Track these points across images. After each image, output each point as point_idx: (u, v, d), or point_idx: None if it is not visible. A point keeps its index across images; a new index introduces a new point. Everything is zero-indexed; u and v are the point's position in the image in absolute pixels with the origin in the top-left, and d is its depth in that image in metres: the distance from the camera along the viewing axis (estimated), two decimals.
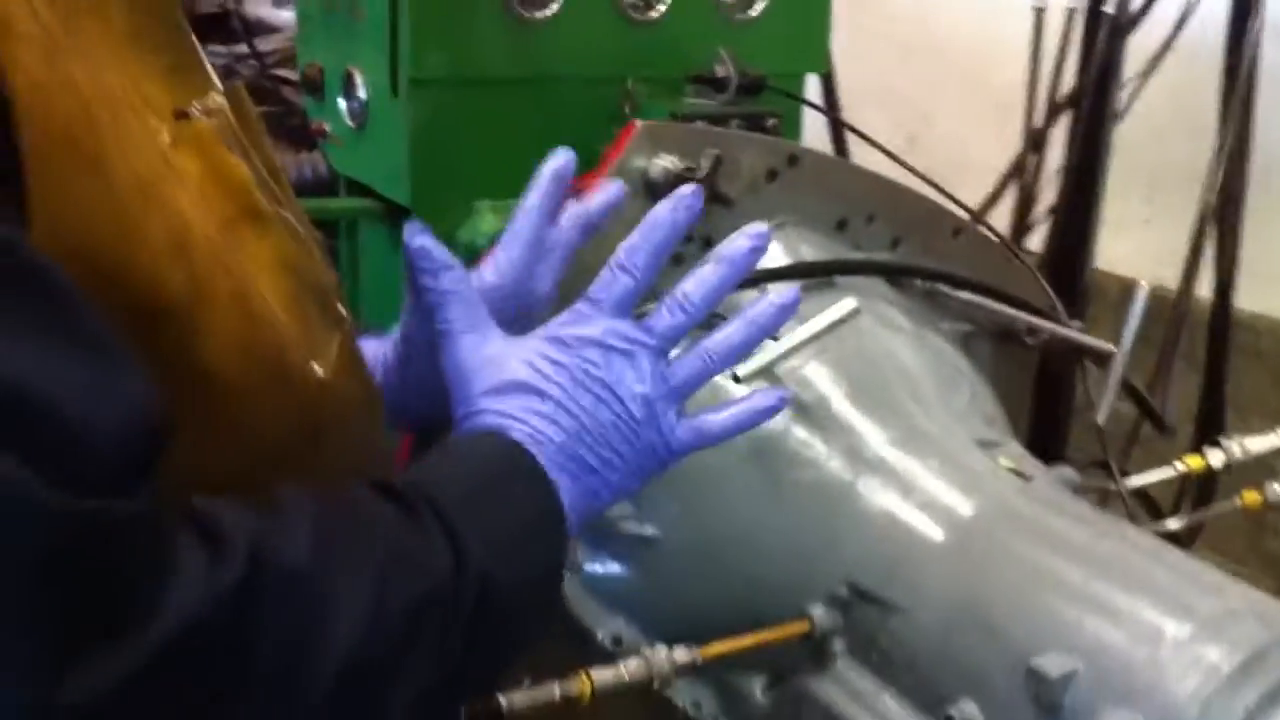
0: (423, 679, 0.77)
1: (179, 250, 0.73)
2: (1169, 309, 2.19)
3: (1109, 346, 1.33)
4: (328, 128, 1.66)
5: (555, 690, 1.16)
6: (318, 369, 0.81)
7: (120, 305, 0.69)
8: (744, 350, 0.95)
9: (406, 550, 0.77)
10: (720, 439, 0.94)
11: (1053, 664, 1.09)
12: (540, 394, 0.89)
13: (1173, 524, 1.46)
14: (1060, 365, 1.62)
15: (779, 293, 0.94)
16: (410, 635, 0.75)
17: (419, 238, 0.92)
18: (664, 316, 0.92)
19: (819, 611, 1.26)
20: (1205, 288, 2.28)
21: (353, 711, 0.73)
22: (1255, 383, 2.50)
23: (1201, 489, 1.99)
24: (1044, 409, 1.89)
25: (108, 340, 0.67)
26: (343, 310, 0.91)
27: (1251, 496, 1.43)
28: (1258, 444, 1.45)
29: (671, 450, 0.93)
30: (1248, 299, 2.43)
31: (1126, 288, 2.71)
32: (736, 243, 0.93)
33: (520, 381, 0.90)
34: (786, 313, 0.94)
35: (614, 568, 1.38)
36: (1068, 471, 1.36)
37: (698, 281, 0.92)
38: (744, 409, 0.95)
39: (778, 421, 1.31)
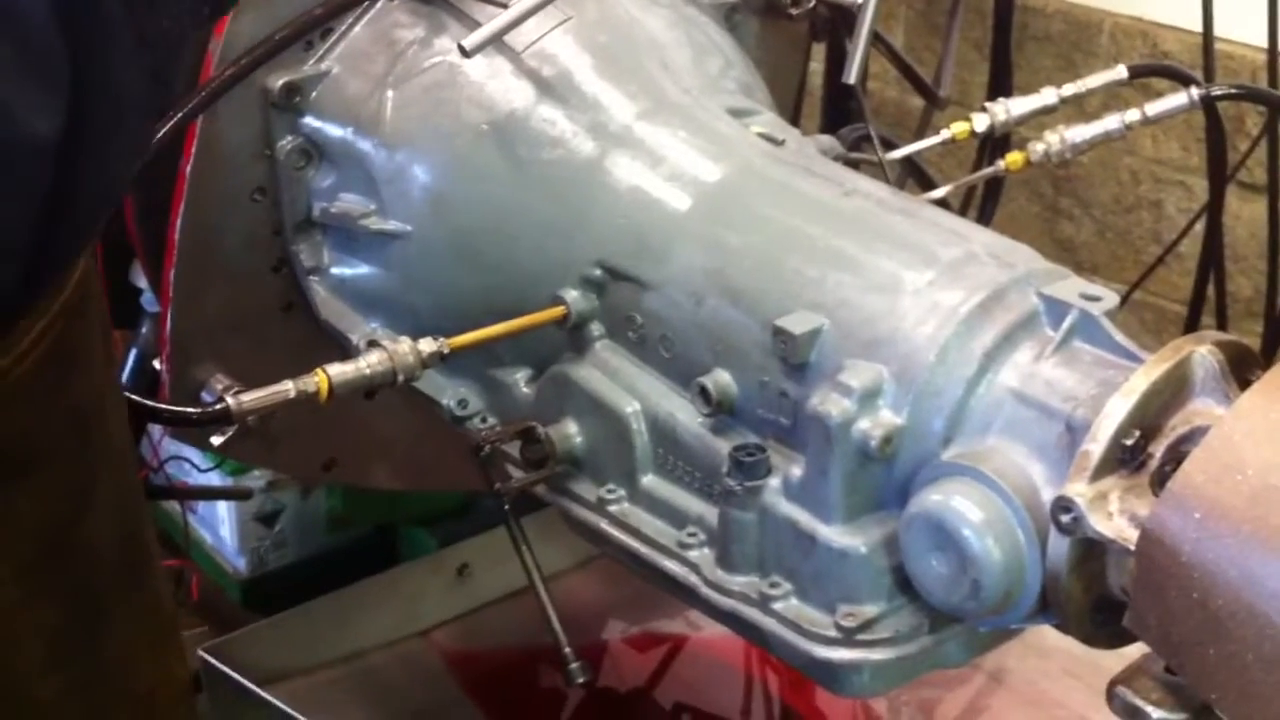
0: None
1: None
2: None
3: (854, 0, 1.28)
4: None
5: (290, 389, 1.11)
6: None
7: None
8: None
9: None
10: None
11: (797, 322, 1.07)
12: None
13: (940, 192, 1.44)
14: (834, 37, 1.57)
15: None
16: None
17: None
18: None
19: (573, 295, 1.22)
20: None
21: None
22: (1048, 66, 2.49)
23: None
24: (833, 86, 1.86)
25: None
26: None
27: (1014, 158, 1.41)
28: (1020, 105, 1.42)
29: None
30: None
31: None
32: None
33: None
34: None
35: (363, 269, 1.32)
36: (826, 139, 1.33)
37: None
38: None
39: (521, 101, 1.25)
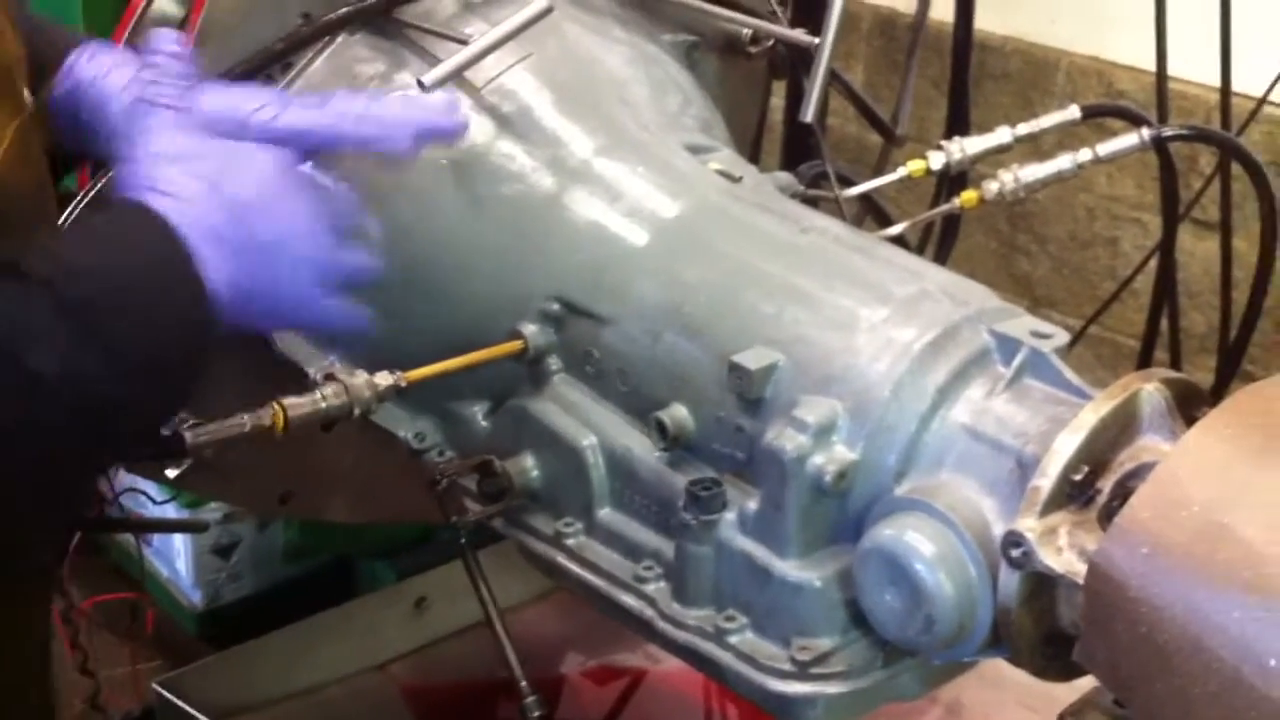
0: None
1: None
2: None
3: (811, 39, 1.29)
4: None
5: (245, 422, 1.10)
6: None
7: None
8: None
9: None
10: None
11: (752, 358, 1.08)
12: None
13: (897, 229, 1.45)
14: (794, 75, 1.58)
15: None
16: None
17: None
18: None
19: (531, 329, 1.22)
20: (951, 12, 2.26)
21: None
22: (1005, 104, 2.52)
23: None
24: (793, 123, 1.87)
25: None
26: (25, 94, 0.88)
27: (969, 195, 1.43)
28: (976, 144, 1.44)
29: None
30: (996, 21, 2.44)
31: (881, 18, 2.70)
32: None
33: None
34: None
35: None
36: (784, 176, 1.34)
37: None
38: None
39: (480, 136, 1.25)
